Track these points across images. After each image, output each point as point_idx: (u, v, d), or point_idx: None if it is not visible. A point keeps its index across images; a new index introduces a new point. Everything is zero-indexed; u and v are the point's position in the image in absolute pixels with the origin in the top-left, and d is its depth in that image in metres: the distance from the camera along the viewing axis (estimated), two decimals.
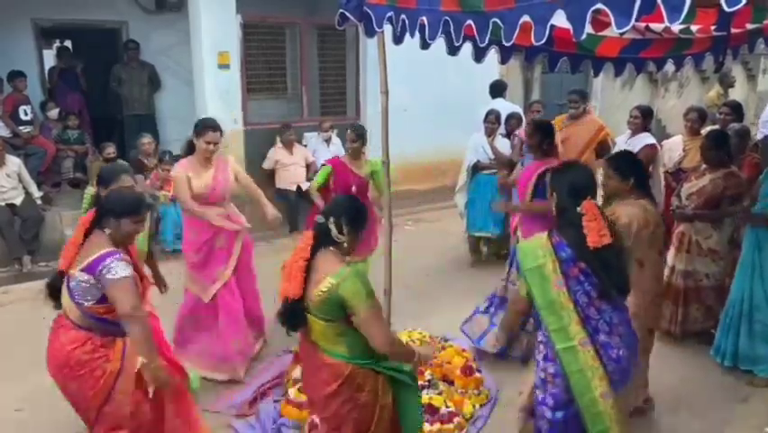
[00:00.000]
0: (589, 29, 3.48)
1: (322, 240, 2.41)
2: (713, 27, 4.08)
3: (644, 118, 5.21)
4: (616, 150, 5.20)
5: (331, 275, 2.31)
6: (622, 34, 4.02)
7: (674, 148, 5.44)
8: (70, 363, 2.63)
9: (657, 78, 11.91)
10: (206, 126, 3.94)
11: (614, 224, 2.70)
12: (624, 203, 3.12)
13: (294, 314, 2.40)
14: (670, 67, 4.75)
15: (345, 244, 2.44)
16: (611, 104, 11.17)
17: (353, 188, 4.59)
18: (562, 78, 9.70)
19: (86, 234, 2.71)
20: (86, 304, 2.62)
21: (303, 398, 3.58)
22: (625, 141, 5.29)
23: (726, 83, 8.82)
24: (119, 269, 2.57)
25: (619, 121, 5.87)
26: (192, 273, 4.07)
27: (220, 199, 4.03)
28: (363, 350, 2.40)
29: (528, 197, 4.17)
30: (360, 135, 4.78)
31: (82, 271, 2.59)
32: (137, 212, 2.76)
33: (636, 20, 2.02)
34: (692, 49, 4.41)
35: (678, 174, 5.17)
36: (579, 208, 2.53)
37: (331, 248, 2.42)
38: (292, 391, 3.64)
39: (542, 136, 4.17)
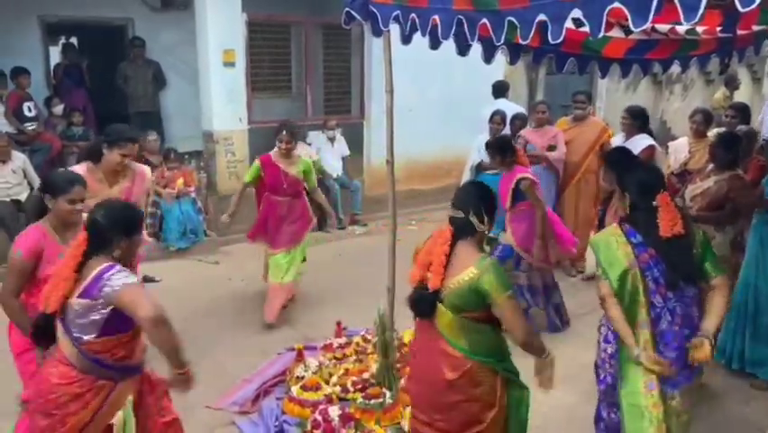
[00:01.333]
0: None
1: (459, 233, 2.46)
2: (719, 28, 4.07)
3: (634, 119, 5.22)
4: None
5: (474, 266, 2.36)
6: (627, 34, 4.03)
7: (680, 150, 5.42)
8: (48, 398, 2.33)
9: (662, 80, 11.88)
10: (126, 138, 3.44)
11: (687, 217, 2.83)
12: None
13: (429, 303, 2.44)
14: (675, 68, 4.76)
15: (486, 232, 2.51)
16: (616, 106, 11.14)
17: (285, 186, 4.79)
18: (567, 79, 9.67)
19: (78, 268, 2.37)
20: (85, 338, 2.31)
21: (306, 396, 3.60)
22: (621, 143, 5.30)
23: (732, 85, 8.81)
24: (121, 277, 2.29)
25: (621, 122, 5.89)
26: None
27: None
28: (486, 347, 2.44)
29: (509, 204, 4.66)
30: (293, 136, 4.94)
31: (80, 298, 2.30)
32: (141, 224, 2.58)
33: (653, 19, 2.01)
34: (698, 50, 4.40)
35: (683, 176, 5.15)
36: (654, 202, 2.65)
37: (469, 239, 2.46)
38: (295, 389, 3.65)
39: (501, 155, 4.60)
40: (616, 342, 2.76)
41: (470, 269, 2.36)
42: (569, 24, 2.45)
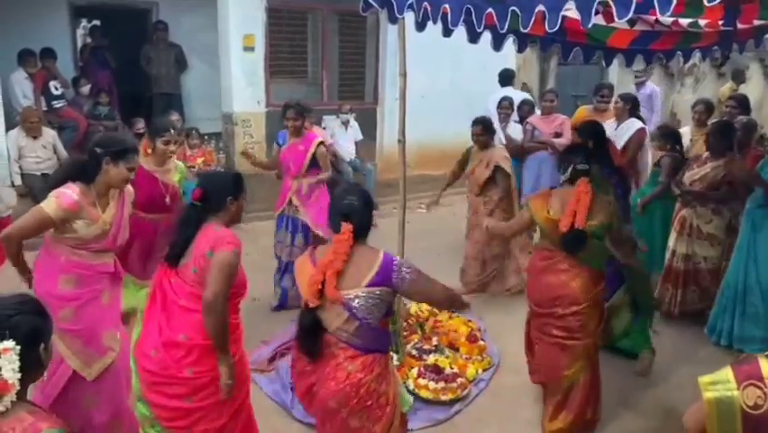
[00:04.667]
0: (600, 20, 3.72)
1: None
2: (720, 22, 4.26)
3: (625, 104, 5.41)
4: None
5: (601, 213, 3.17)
6: (632, 25, 4.23)
7: (682, 138, 5.62)
8: (360, 393, 2.26)
9: (673, 73, 11.98)
10: (134, 149, 2.94)
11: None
12: None
13: (580, 239, 3.08)
14: (692, 61, 4.93)
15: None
16: None
17: (167, 199, 3.88)
18: (578, 70, 9.83)
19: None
20: (372, 321, 2.26)
21: None
22: (613, 127, 5.49)
23: (740, 79, 8.93)
24: (408, 264, 2.31)
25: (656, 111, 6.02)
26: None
27: (118, 244, 3.00)
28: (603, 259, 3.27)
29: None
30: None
31: (369, 286, 2.25)
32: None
33: (636, 12, 2.23)
34: (700, 42, 4.58)
35: (686, 163, 5.35)
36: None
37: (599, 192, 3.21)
38: None
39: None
40: None
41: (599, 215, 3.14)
42: (575, 15, 2.68)
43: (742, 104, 5.45)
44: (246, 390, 2.68)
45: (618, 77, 11.12)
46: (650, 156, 5.45)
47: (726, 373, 1.64)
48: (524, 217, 3.44)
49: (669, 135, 5.07)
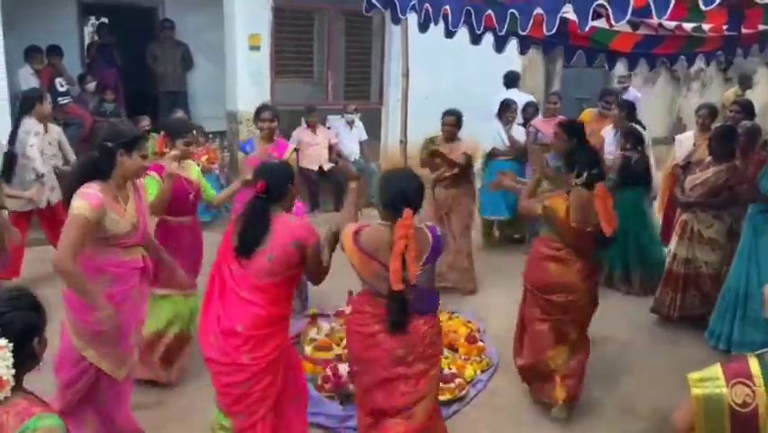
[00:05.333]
0: (603, 24, 3.73)
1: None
2: (725, 27, 4.26)
3: (620, 110, 5.46)
4: (606, 148, 5.47)
5: None
6: (635, 29, 4.24)
7: (686, 142, 5.62)
8: (425, 342, 2.57)
9: (679, 77, 11.94)
10: (142, 137, 2.86)
11: None
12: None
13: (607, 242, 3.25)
14: (696, 66, 4.94)
15: None
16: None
17: (191, 196, 3.79)
18: (583, 72, 9.81)
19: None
20: (429, 288, 2.61)
21: (318, 355, 3.91)
22: (613, 134, 5.51)
23: (746, 84, 8.90)
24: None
25: (640, 118, 6.04)
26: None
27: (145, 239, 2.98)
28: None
29: None
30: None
31: (426, 264, 2.52)
32: None
33: (633, 16, 2.25)
34: (704, 47, 4.60)
35: (688, 168, 5.35)
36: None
37: None
38: (308, 349, 3.99)
39: None
40: None
41: None
42: (574, 17, 2.70)
43: (746, 108, 5.43)
44: (297, 375, 2.89)
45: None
46: (652, 158, 5.44)
47: (716, 370, 1.65)
48: (535, 210, 3.49)
49: (629, 135, 5.22)
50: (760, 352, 1.66)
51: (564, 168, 3.43)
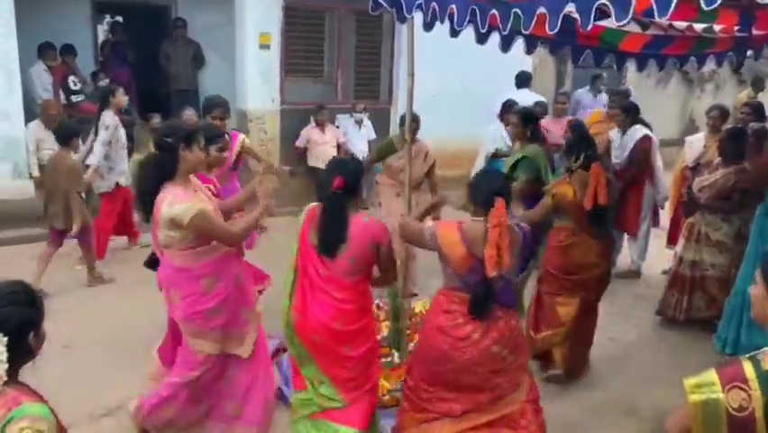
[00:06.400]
0: (612, 23, 3.71)
1: None
2: (736, 28, 4.21)
3: (626, 114, 5.47)
4: (613, 152, 5.44)
5: None
6: (645, 29, 4.20)
7: (696, 144, 5.58)
8: (513, 334, 2.72)
9: (693, 79, 11.84)
10: (198, 130, 2.91)
11: None
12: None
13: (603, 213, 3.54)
14: (707, 67, 4.91)
15: None
16: (646, 102, 11.14)
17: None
18: (592, 73, 9.76)
19: None
20: (513, 280, 2.86)
21: None
22: (619, 136, 5.48)
23: (759, 87, 8.81)
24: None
25: (652, 120, 6.01)
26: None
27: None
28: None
29: None
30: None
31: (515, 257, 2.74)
32: None
33: (633, 15, 2.23)
34: (714, 48, 4.54)
35: (698, 169, 5.31)
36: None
37: None
38: None
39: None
40: None
41: None
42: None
43: (756, 110, 5.39)
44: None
45: (637, 81, 11.04)
46: (660, 161, 5.41)
47: (711, 375, 1.64)
48: (547, 204, 3.80)
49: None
50: (753, 354, 1.64)
51: (565, 158, 3.79)
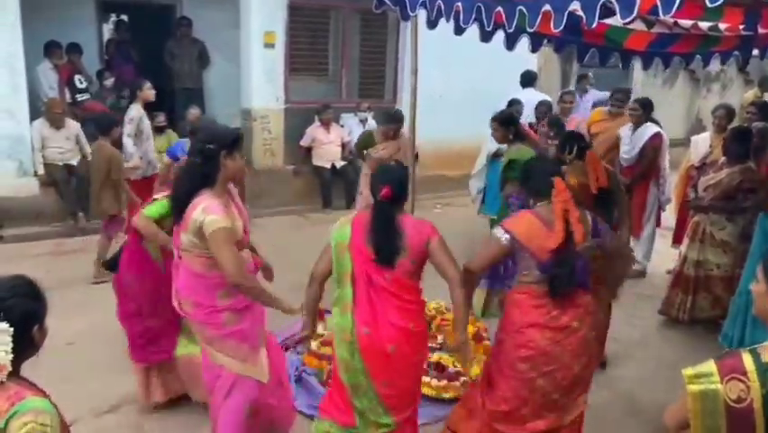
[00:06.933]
0: (617, 21, 3.70)
1: None
2: (741, 26, 4.19)
3: (644, 110, 5.40)
4: (622, 147, 5.41)
5: None
6: (650, 27, 4.19)
7: (701, 144, 5.56)
8: (596, 316, 2.80)
9: (699, 78, 11.79)
10: (241, 137, 2.79)
11: None
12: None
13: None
14: (712, 65, 4.90)
15: None
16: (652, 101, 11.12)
17: None
18: (601, 72, 9.72)
19: None
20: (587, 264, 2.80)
21: (324, 350, 3.93)
22: (629, 132, 5.44)
23: (766, 86, 8.76)
24: None
25: (659, 119, 5.99)
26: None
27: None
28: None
29: None
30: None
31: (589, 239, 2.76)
32: None
33: (638, 12, 2.22)
34: (720, 46, 4.53)
35: (703, 169, 5.29)
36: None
37: None
38: (315, 344, 3.99)
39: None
40: None
41: None
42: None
43: (762, 110, 5.36)
44: None
45: (643, 80, 11.00)
46: (667, 161, 5.39)
47: (710, 366, 1.65)
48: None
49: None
50: (753, 347, 1.65)
51: (559, 152, 3.88)
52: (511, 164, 4.67)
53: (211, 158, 2.59)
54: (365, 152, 5.58)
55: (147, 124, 5.95)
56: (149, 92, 5.92)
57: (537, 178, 2.77)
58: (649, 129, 5.22)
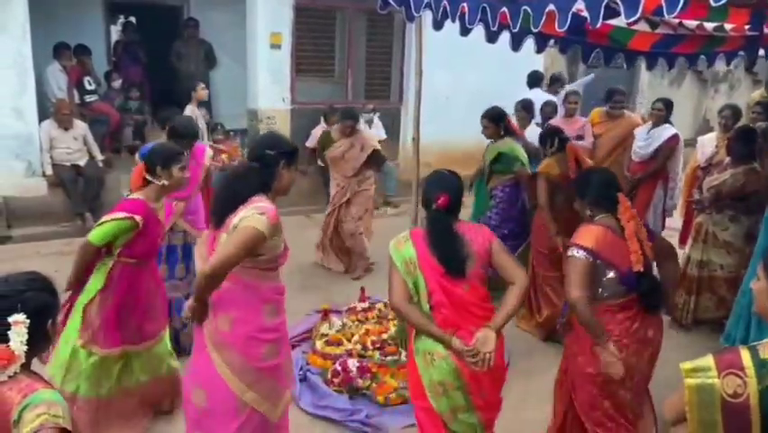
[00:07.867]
0: (621, 22, 3.70)
1: None
2: (747, 27, 4.18)
3: (668, 110, 5.41)
4: (637, 142, 5.39)
5: None
6: (654, 28, 4.19)
7: (707, 144, 5.54)
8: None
9: (707, 78, 11.74)
10: (297, 150, 2.64)
11: None
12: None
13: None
14: (717, 66, 4.89)
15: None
16: None
17: (159, 240, 3.32)
18: (607, 73, 9.70)
19: None
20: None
21: (328, 350, 3.96)
22: (646, 132, 5.43)
23: None
24: None
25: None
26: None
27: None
28: None
29: None
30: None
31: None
32: None
33: (643, 12, 2.23)
34: (725, 46, 4.51)
35: (708, 170, 5.27)
36: None
37: None
38: (319, 344, 4.03)
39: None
40: None
41: None
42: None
43: (767, 110, 5.33)
44: None
45: (650, 80, 10.97)
46: (681, 163, 5.38)
47: (708, 360, 1.67)
48: (542, 185, 4.24)
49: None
50: (752, 344, 1.67)
51: (541, 149, 4.42)
52: (499, 157, 4.85)
53: (270, 165, 2.44)
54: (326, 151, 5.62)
55: (203, 123, 6.01)
56: (202, 92, 6.08)
57: (599, 190, 2.74)
58: (667, 130, 5.23)
